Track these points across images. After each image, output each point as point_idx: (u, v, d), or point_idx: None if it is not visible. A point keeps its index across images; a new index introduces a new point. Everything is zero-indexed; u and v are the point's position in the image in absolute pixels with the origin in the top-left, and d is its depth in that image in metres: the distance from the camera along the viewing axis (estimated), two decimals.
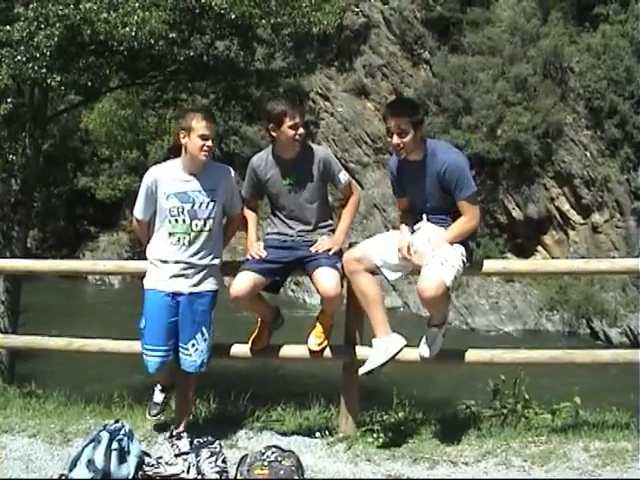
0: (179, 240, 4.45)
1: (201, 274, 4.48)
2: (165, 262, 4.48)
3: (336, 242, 4.64)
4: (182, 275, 4.46)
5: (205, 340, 4.49)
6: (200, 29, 14.11)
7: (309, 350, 4.71)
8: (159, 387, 4.78)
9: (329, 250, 4.55)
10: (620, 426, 4.74)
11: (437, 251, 4.36)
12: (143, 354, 4.53)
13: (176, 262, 4.45)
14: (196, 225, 4.44)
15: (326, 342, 4.70)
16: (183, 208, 4.42)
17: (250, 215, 4.86)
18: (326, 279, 4.42)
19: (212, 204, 4.47)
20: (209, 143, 4.40)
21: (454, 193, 4.48)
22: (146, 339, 4.50)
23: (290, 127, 4.51)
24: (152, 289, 4.52)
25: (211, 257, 4.52)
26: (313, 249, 4.57)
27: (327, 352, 4.71)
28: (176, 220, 4.43)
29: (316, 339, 4.69)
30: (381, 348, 4.44)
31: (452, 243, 4.44)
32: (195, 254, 4.46)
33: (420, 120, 4.56)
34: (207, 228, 4.46)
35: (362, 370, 4.48)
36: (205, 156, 4.42)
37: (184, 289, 4.46)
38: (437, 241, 4.43)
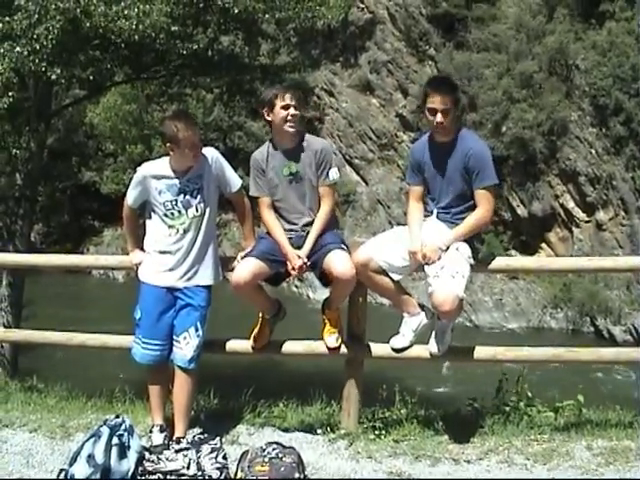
0: (177, 231, 4.46)
1: (196, 266, 4.49)
2: (163, 253, 4.49)
3: (304, 254, 4.53)
4: (178, 268, 4.47)
5: (198, 336, 4.46)
6: (204, 23, 14.11)
7: (328, 348, 4.66)
8: None
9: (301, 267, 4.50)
10: (623, 425, 4.72)
11: (447, 262, 4.32)
12: (135, 343, 4.54)
13: (173, 252, 4.46)
14: (191, 212, 4.46)
15: (341, 336, 4.67)
16: (176, 200, 4.44)
17: (271, 220, 4.67)
18: (340, 261, 4.38)
19: (202, 188, 4.48)
20: (199, 148, 4.44)
21: (474, 181, 4.43)
22: (141, 331, 4.52)
23: (282, 107, 4.50)
24: (148, 283, 4.54)
25: (207, 245, 4.52)
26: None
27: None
28: (172, 213, 4.46)
29: (332, 335, 4.66)
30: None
31: (461, 239, 4.43)
32: (192, 241, 4.46)
33: (459, 99, 4.55)
34: (199, 213, 4.47)
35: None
36: (196, 159, 4.44)
37: (180, 283, 4.48)
38: (446, 240, 4.42)
